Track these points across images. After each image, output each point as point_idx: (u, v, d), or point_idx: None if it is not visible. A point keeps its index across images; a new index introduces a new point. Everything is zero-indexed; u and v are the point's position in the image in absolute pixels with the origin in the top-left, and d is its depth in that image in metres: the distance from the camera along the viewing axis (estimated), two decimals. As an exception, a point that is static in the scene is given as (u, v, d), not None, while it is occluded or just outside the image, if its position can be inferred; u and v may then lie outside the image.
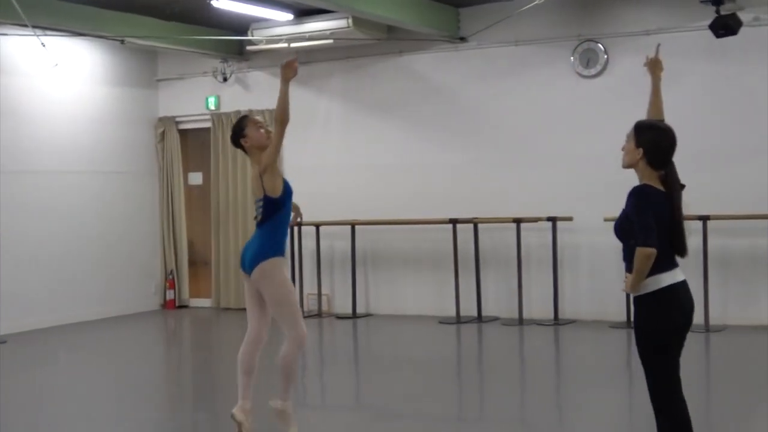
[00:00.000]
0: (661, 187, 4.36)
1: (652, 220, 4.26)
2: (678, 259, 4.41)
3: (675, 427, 4.39)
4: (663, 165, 4.36)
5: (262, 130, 5.73)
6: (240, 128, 5.72)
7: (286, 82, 5.70)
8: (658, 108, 4.73)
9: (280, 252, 5.59)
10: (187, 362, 10.09)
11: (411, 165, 11.60)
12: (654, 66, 4.75)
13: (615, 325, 10.13)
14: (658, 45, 4.83)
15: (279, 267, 5.56)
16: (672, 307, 4.36)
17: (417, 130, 11.62)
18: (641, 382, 4.94)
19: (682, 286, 4.39)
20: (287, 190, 5.74)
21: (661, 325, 4.38)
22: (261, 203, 5.64)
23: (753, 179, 9.85)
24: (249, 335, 5.75)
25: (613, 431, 6.23)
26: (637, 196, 4.32)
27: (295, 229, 11.79)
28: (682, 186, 4.42)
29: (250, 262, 5.58)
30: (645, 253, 4.21)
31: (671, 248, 4.36)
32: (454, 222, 10.94)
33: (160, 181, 13.05)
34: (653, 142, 4.36)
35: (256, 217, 5.67)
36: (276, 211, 5.64)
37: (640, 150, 4.36)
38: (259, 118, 5.82)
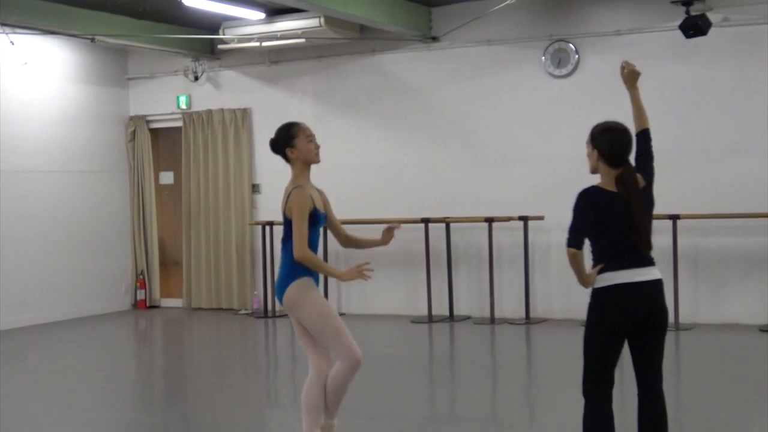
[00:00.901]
0: (614, 188, 4.48)
1: (583, 222, 4.58)
2: (648, 257, 4.47)
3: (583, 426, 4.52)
4: (618, 164, 4.47)
5: (313, 145, 5.14)
6: (290, 136, 5.17)
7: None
8: (642, 121, 4.60)
9: (302, 273, 4.95)
10: (157, 363, 10.03)
11: (383, 164, 11.60)
12: (630, 77, 4.63)
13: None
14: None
15: (305, 289, 4.96)
16: (609, 307, 4.46)
17: (389, 129, 11.62)
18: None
19: (634, 287, 4.41)
20: (316, 216, 5.02)
21: (594, 322, 4.52)
22: (284, 219, 5.09)
23: (722, 179, 9.93)
24: (310, 370, 5.15)
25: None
26: (577, 197, 4.59)
27: (267, 228, 11.77)
28: (648, 183, 4.51)
29: (277, 291, 5.05)
30: (568, 253, 4.58)
31: (625, 247, 4.45)
32: (426, 221, 10.95)
33: (130, 180, 12.97)
34: (607, 143, 4.49)
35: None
36: (289, 233, 4.99)
37: (595, 152, 4.53)
38: (308, 126, 5.26)
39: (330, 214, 5.24)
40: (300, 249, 4.82)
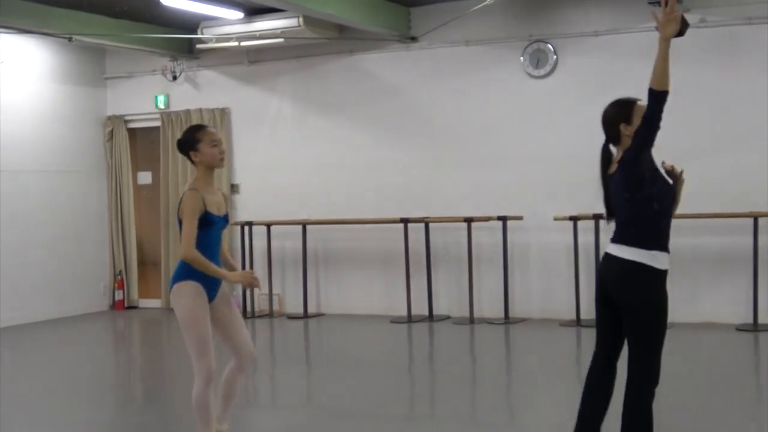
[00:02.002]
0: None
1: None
2: (615, 234, 4.68)
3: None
4: (607, 139, 4.71)
5: (217, 150, 5.10)
6: (195, 140, 5.10)
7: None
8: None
9: (193, 276, 5.02)
10: (135, 364, 9.99)
11: (362, 164, 11.59)
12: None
13: (565, 324, 10.22)
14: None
15: (188, 291, 5.02)
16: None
17: (368, 129, 11.62)
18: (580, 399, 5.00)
19: (604, 257, 4.71)
20: (206, 218, 5.04)
21: None
22: (177, 221, 5.14)
23: (699, 179, 9.93)
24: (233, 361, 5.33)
25: (563, 430, 6.27)
26: None
27: (246, 228, 11.76)
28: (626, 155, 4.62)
29: (169, 286, 5.16)
30: None
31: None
32: (405, 221, 10.95)
33: (108, 180, 12.92)
34: None
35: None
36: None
37: None
38: (215, 131, 5.21)
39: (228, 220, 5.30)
40: (186, 249, 4.93)
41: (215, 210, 5.08)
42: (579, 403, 4.90)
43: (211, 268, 4.98)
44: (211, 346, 5.06)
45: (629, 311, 4.58)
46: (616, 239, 4.63)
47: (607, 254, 4.67)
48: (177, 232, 12.25)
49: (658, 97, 4.39)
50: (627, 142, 4.56)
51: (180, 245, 4.98)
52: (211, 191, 5.12)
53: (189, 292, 5.02)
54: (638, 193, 4.52)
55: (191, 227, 4.94)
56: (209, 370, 5.04)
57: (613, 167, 4.66)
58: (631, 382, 4.62)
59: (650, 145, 4.53)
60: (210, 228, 5.05)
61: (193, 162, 5.16)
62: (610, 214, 4.76)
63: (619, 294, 4.61)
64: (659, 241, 4.56)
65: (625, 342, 4.69)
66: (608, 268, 4.64)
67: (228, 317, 5.22)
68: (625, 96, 4.72)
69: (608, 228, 4.83)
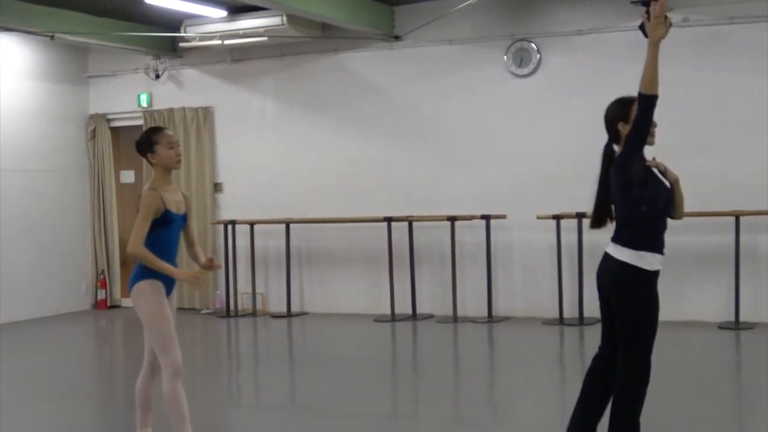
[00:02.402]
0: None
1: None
2: (613, 233, 4.75)
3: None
4: (610, 138, 4.74)
5: (173, 152, 5.17)
6: (152, 141, 5.18)
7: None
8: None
9: (154, 275, 5.10)
10: (118, 363, 9.96)
11: (346, 163, 11.59)
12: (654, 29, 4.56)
13: (548, 322, 10.24)
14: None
15: (150, 290, 5.11)
16: None
17: (352, 128, 11.62)
18: (574, 379, 5.03)
19: (602, 257, 4.76)
20: (165, 217, 5.11)
21: None
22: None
23: (682, 178, 10.00)
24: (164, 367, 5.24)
25: (547, 428, 6.29)
26: None
27: (229, 227, 11.74)
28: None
29: (128, 284, 5.22)
30: None
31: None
32: (388, 220, 10.95)
33: (91, 179, 12.87)
34: None
35: None
36: (149, 231, 5.08)
37: None
38: (172, 133, 5.31)
39: (188, 219, 5.36)
40: (134, 244, 5.01)
41: (174, 208, 5.16)
42: (576, 402, 4.90)
43: (157, 263, 5.07)
44: (176, 341, 5.15)
45: (619, 311, 4.62)
46: (613, 238, 4.70)
47: (605, 253, 4.73)
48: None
49: (647, 101, 4.43)
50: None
51: (130, 240, 5.04)
52: (170, 190, 5.21)
53: (150, 290, 5.11)
54: (629, 194, 4.56)
55: (143, 224, 5.02)
56: (176, 365, 5.10)
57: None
58: (620, 381, 4.64)
59: (639, 149, 4.55)
60: (169, 226, 5.14)
61: (150, 163, 5.24)
62: (596, 216, 4.76)
63: (610, 294, 4.66)
64: (650, 243, 4.59)
65: None
66: (604, 268, 4.71)
67: None
68: (625, 95, 4.73)
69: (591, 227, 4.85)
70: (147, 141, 5.20)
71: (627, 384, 4.64)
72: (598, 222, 4.78)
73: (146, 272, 5.10)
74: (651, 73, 4.38)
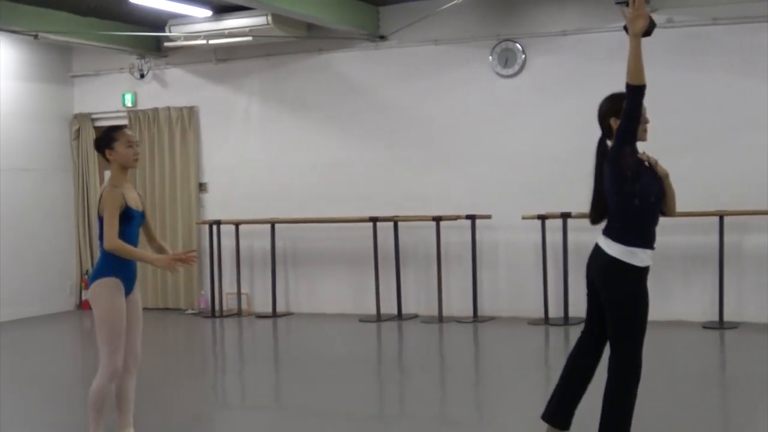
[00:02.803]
0: None
1: None
2: (605, 226, 4.82)
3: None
4: (603, 133, 4.83)
5: (132, 150, 5.26)
6: (111, 139, 5.25)
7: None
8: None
9: (113, 273, 5.15)
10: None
11: (331, 163, 11.58)
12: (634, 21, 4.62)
13: (533, 322, 10.26)
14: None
15: (108, 288, 5.14)
16: None
17: (337, 128, 11.61)
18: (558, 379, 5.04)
19: (593, 247, 4.78)
20: (127, 213, 5.18)
21: None
22: (98, 218, 5.26)
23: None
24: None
25: (532, 428, 6.30)
26: None
27: (214, 227, 11.71)
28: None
29: (88, 283, 5.29)
30: None
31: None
32: (374, 220, 10.95)
33: (75, 179, 12.83)
34: None
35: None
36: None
37: None
38: (132, 134, 5.39)
39: (146, 216, 5.45)
40: (110, 240, 5.07)
41: (134, 205, 5.25)
42: (556, 384, 4.95)
43: (136, 252, 5.16)
44: (123, 344, 5.20)
45: (608, 306, 4.65)
46: (604, 231, 4.73)
47: (596, 244, 4.75)
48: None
49: (634, 91, 4.48)
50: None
51: (105, 237, 5.09)
52: (128, 188, 5.30)
53: (110, 287, 5.16)
54: (621, 188, 4.58)
55: (113, 220, 5.08)
56: (117, 368, 5.18)
57: None
58: (611, 376, 4.67)
59: (631, 141, 4.58)
60: (130, 222, 5.22)
61: (107, 160, 5.30)
62: (595, 211, 4.82)
63: (600, 288, 4.69)
64: (640, 237, 4.62)
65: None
66: (594, 260, 4.75)
67: (129, 315, 5.29)
68: (617, 91, 4.78)
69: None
70: (106, 138, 5.29)
71: (618, 380, 4.66)
72: (597, 217, 4.83)
73: (107, 270, 5.16)
74: (635, 64, 4.46)
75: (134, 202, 5.28)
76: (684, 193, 9.75)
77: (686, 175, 9.87)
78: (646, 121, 4.68)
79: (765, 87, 9.72)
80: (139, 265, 5.32)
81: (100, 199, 5.20)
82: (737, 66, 9.84)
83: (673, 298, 10.12)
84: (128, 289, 5.25)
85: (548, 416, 4.99)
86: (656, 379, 7.39)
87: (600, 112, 4.77)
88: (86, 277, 12.61)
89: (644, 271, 4.64)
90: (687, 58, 10.03)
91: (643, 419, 6.05)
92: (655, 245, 4.73)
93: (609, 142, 4.74)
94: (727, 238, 9.75)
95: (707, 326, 9.71)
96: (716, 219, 9.70)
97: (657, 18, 9.61)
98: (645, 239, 4.63)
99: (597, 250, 4.72)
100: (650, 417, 6.14)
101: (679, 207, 10.35)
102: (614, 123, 4.66)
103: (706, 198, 9.81)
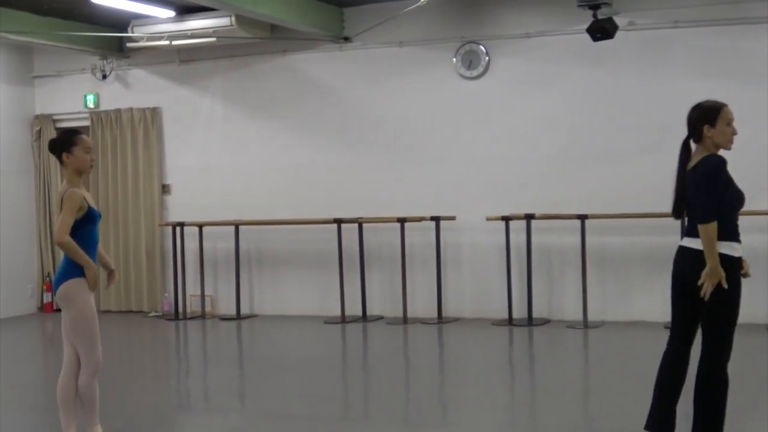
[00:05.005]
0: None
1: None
2: (688, 229, 5.02)
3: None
4: (689, 135, 5.09)
5: (88, 156, 5.41)
6: (70, 142, 5.38)
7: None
8: None
9: (80, 273, 5.30)
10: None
11: (295, 165, 11.56)
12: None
13: (497, 323, 10.30)
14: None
15: (78, 288, 5.32)
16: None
17: (301, 129, 11.59)
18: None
19: (679, 252, 5.01)
20: (90, 214, 5.35)
21: None
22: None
23: (628, 180, 10.14)
24: (65, 366, 5.53)
25: (496, 428, 6.33)
26: None
27: (177, 229, 11.65)
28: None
29: (54, 285, 5.45)
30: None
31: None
32: (338, 222, 10.94)
33: (36, 180, 12.70)
34: None
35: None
36: (74, 231, 5.28)
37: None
38: (89, 140, 5.55)
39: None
40: (60, 235, 5.21)
41: (94, 205, 5.43)
42: (654, 386, 5.18)
43: (81, 256, 5.27)
44: (99, 340, 5.42)
45: (711, 298, 4.81)
46: (690, 233, 4.92)
47: (682, 248, 4.96)
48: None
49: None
50: (708, 143, 4.95)
51: (56, 230, 5.25)
52: (84, 191, 5.43)
53: (80, 288, 5.32)
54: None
55: (69, 218, 5.22)
56: (98, 363, 5.41)
57: (693, 161, 5.00)
58: (706, 360, 4.91)
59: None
60: (93, 223, 5.37)
61: (62, 163, 5.43)
62: (677, 208, 5.10)
63: (690, 280, 4.86)
64: (734, 233, 4.87)
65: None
66: (686, 260, 4.92)
67: None
68: (705, 101, 5.08)
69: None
70: (66, 141, 5.41)
71: (715, 364, 4.90)
72: (678, 212, 5.14)
73: (75, 271, 5.29)
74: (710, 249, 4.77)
75: (93, 202, 5.44)
76: (646, 195, 9.91)
77: (648, 176, 9.99)
78: (734, 133, 4.98)
79: (725, 89, 9.80)
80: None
81: (62, 200, 5.29)
82: (698, 68, 9.93)
83: (636, 299, 10.16)
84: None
85: (656, 426, 5.16)
86: (619, 381, 7.46)
87: (691, 119, 5.06)
88: (48, 279, 12.51)
89: (740, 261, 4.90)
90: (648, 61, 10.11)
91: (606, 421, 6.10)
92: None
93: (693, 145, 5.04)
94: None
95: (669, 326, 9.76)
96: (678, 220, 9.75)
97: (619, 21, 9.74)
98: (735, 234, 4.89)
99: (687, 252, 4.92)
100: (613, 419, 6.19)
101: (640, 208, 10.48)
102: (707, 131, 4.95)
103: (668, 199, 9.79)
